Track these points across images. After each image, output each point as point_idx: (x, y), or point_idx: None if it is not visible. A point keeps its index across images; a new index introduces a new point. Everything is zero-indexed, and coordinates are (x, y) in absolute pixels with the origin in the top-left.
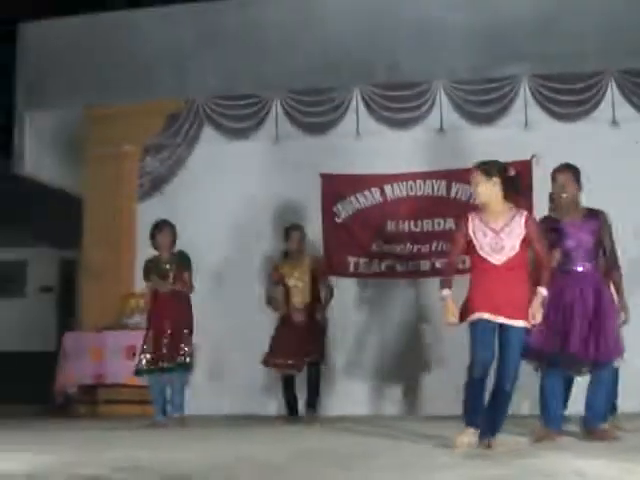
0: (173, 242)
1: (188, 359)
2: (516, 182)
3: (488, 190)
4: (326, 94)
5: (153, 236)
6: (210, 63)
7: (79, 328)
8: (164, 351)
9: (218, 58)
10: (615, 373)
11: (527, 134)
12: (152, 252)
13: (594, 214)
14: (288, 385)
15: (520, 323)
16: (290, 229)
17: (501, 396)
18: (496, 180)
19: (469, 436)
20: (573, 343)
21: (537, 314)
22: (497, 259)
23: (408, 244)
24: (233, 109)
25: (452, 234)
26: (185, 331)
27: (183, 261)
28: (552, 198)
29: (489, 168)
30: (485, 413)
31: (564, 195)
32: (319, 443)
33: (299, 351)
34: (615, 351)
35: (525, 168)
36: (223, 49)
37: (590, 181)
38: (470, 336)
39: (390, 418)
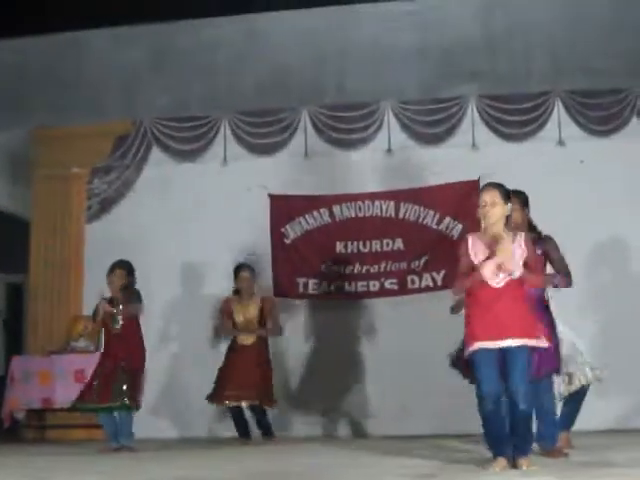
0: (125, 282)
1: (128, 400)
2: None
3: (501, 213)
4: (275, 115)
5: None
6: (159, 84)
7: (27, 352)
8: (104, 391)
9: (167, 79)
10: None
11: (475, 154)
12: (103, 273)
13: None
14: (237, 415)
15: (524, 342)
16: (239, 269)
17: (519, 416)
18: (508, 207)
19: (501, 464)
20: None
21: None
22: (497, 282)
23: (357, 265)
24: (181, 131)
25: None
26: (127, 371)
27: (135, 296)
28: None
29: (507, 192)
30: (511, 439)
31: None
32: (271, 464)
33: (246, 385)
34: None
35: (472, 188)
36: (172, 70)
37: (537, 199)
38: (474, 368)
39: (342, 439)
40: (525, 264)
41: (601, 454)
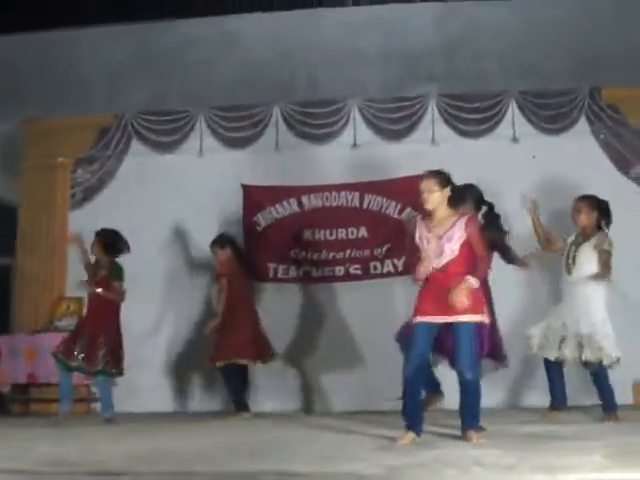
0: (105, 247)
1: (102, 366)
2: (459, 192)
3: (438, 199)
4: (248, 110)
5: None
6: (140, 80)
7: (14, 331)
8: (80, 355)
9: (147, 76)
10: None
11: (434, 149)
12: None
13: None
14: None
15: (465, 318)
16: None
17: (466, 387)
18: (447, 191)
19: (408, 440)
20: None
21: (455, 297)
22: (437, 263)
23: (324, 251)
24: (160, 124)
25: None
26: (101, 338)
27: (115, 272)
28: None
29: (443, 178)
30: (460, 407)
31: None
32: (240, 436)
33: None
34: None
35: None
36: (152, 67)
37: (491, 192)
38: (411, 336)
39: (310, 414)
40: (465, 243)
41: (550, 428)
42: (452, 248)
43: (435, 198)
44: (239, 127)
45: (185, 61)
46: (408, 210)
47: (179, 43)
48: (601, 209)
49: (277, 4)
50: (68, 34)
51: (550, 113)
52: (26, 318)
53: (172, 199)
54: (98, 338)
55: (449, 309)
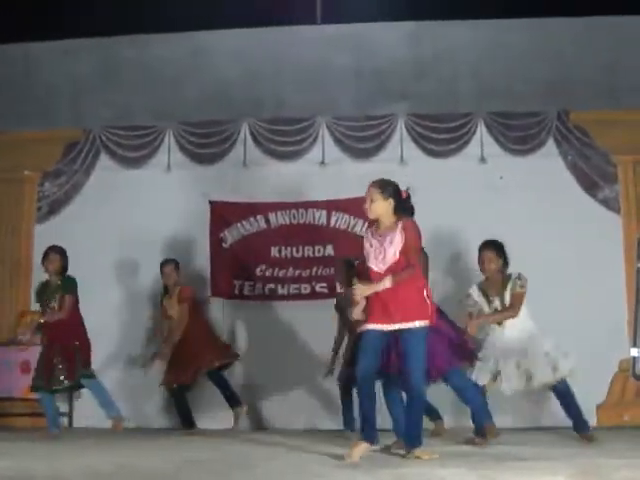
0: (62, 267)
1: (79, 373)
2: (407, 204)
3: (382, 208)
4: (216, 127)
5: (43, 262)
6: (106, 95)
7: None
8: (61, 375)
9: (114, 91)
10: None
11: (402, 168)
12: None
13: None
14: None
15: (410, 325)
16: (162, 265)
17: (410, 402)
18: (391, 200)
19: (361, 450)
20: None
21: (358, 291)
22: (380, 267)
23: (290, 269)
24: (128, 139)
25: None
26: (76, 345)
27: (66, 285)
28: None
29: (386, 188)
30: (404, 421)
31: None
32: (201, 453)
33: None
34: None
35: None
36: (119, 82)
37: (459, 211)
38: (359, 347)
39: (270, 432)
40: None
41: (515, 449)
42: (393, 252)
43: (377, 207)
44: (207, 143)
45: (153, 76)
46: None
47: (147, 58)
48: (504, 254)
49: (246, 21)
50: (31, 47)
51: (518, 134)
52: None
53: (139, 214)
54: (72, 349)
55: (394, 316)
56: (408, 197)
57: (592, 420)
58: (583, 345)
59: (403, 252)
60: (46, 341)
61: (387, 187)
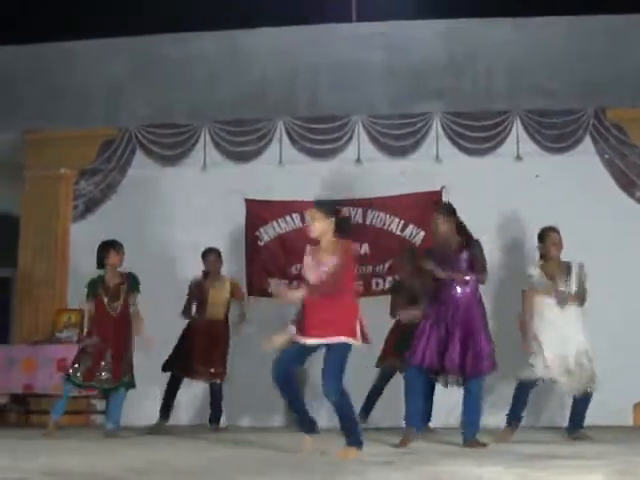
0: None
1: (128, 378)
2: (347, 223)
3: (323, 228)
4: (252, 125)
5: (104, 256)
6: (143, 93)
7: (12, 342)
8: (103, 373)
9: (151, 89)
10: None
11: (438, 167)
12: (86, 269)
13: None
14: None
15: (335, 340)
16: (205, 252)
17: (335, 409)
18: (331, 220)
19: (306, 442)
20: (450, 359)
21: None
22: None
23: None
24: (164, 137)
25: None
26: (126, 352)
27: (134, 283)
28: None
29: (327, 208)
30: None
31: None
32: (235, 450)
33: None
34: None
35: (435, 198)
36: (155, 80)
37: (495, 210)
38: None
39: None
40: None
41: (550, 448)
42: (326, 271)
43: (318, 227)
44: (243, 141)
45: (190, 75)
46: None
47: (183, 56)
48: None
49: (283, 19)
50: (70, 46)
51: (555, 132)
52: (26, 329)
53: (175, 212)
54: (124, 353)
55: (322, 330)
56: (348, 217)
57: (629, 419)
58: (621, 344)
59: (333, 271)
60: (100, 337)
61: (328, 207)
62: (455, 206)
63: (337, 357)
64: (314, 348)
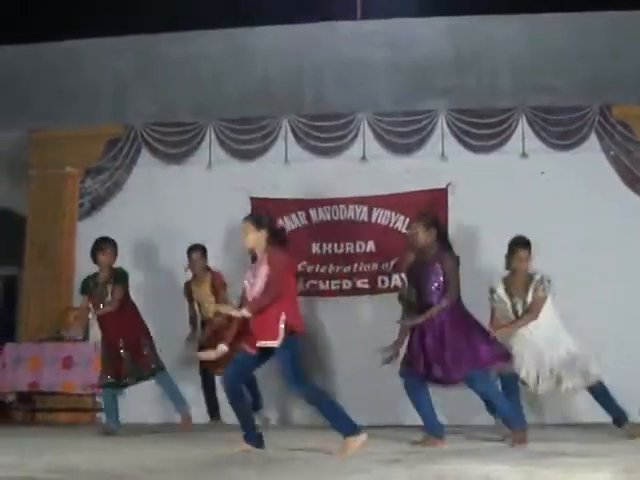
0: (114, 260)
1: (155, 364)
2: (279, 234)
3: (256, 240)
4: (257, 123)
5: (94, 254)
6: (148, 92)
7: (19, 340)
8: (133, 367)
9: (156, 87)
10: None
11: (443, 164)
12: (92, 267)
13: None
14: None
15: (269, 343)
16: (189, 251)
17: (313, 406)
18: (264, 232)
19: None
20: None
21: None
22: (251, 297)
23: (331, 265)
24: (169, 135)
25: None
26: (141, 339)
27: (118, 278)
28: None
29: (259, 221)
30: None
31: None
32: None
33: None
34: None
35: (441, 196)
36: (160, 79)
37: (500, 208)
38: None
39: (316, 427)
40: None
41: (558, 445)
42: (260, 283)
43: (251, 239)
44: (248, 139)
45: (194, 73)
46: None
47: (188, 55)
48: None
49: (287, 17)
50: (76, 45)
51: (560, 129)
52: (32, 327)
53: (180, 210)
54: (138, 341)
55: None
56: (282, 228)
57: (636, 416)
58: (627, 341)
59: (267, 281)
60: (108, 336)
61: (260, 219)
62: (458, 205)
63: (283, 362)
64: (262, 357)
